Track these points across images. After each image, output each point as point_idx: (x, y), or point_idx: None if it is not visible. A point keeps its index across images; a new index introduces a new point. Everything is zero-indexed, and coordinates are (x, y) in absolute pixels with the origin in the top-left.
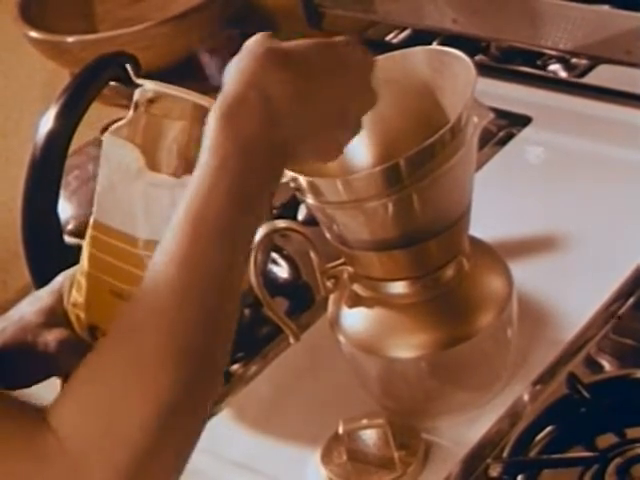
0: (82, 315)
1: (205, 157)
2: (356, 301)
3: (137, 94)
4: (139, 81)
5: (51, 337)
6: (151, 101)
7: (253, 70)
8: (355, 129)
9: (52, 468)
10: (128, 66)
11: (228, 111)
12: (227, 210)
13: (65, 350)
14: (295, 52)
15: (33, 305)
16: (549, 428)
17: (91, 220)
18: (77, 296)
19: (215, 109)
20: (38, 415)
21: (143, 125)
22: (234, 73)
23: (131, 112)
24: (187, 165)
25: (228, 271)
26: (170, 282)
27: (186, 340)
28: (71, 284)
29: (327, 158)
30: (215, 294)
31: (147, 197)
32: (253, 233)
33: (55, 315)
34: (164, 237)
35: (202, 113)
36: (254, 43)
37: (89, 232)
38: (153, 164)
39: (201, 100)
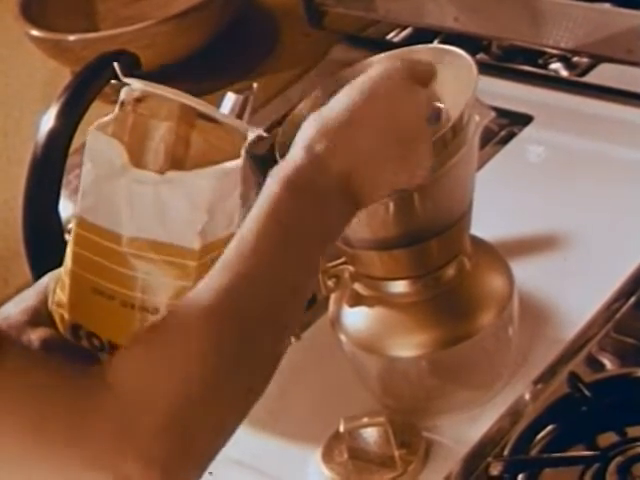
0: (66, 315)
1: (260, 201)
2: (357, 300)
3: (124, 93)
4: (126, 80)
5: (35, 336)
6: (138, 100)
7: (306, 135)
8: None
9: (103, 408)
10: (116, 65)
11: (279, 168)
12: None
13: (49, 349)
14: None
15: (18, 305)
16: (550, 427)
17: (74, 217)
18: (61, 295)
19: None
20: (90, 367)
21: (130, 125)
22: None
23: (117, 110)
24: (173, 164)
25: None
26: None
27: (231, 321)
28: (56, 284)
29: (415, 181)
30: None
31: (131, 194)
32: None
33: (39, 315)
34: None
35: (189, 113)
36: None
37: (73, 229)
38: (139, 164)
39: (188, 100)
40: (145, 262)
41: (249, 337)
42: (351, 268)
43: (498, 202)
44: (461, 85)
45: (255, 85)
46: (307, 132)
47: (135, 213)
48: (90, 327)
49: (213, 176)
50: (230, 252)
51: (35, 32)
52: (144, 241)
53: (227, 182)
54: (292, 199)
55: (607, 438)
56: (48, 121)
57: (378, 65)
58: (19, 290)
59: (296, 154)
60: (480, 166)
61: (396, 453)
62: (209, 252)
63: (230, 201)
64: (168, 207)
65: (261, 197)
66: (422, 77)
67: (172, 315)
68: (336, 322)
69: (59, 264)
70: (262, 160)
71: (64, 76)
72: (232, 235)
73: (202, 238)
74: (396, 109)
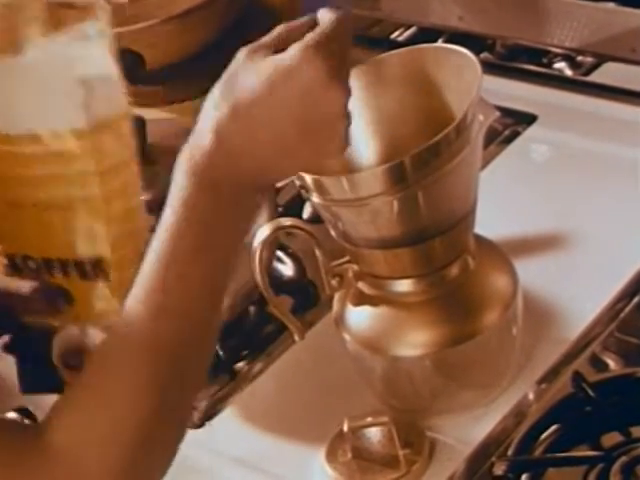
0: None
1: (172, 201)
2: (361, 299)
3: None
4: None
5: (23, 283)
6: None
7: (216, 115)
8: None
9: (50, 473)
10: None
11: (189, 156)
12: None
13: (38, 296)
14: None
15: None
16: (554, 427)
17: None
18: None
19: (183, 160)
20: (29, 430)
21: None
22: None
23: None
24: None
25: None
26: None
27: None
28: None
29: (318, 165)
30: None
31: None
32: (228, 263)
33: None
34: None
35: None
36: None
37: None
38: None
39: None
40: (36, 155)
41: (182, 362)
42: (355, 267)
43: (502, 201)
44: (465, 84)
45: None
46: (217, 112)
47: (4, 106)
48: (21, 250)
49: (72, 39)
50: (148, 269)
51: None
52: (27, 135)
53: (94, 46)
54: (210, 199)
55: (611, 438)
56: None
57: (297, 54)
58: None
59: (206, 137)
60: (484, 165)
61: (400, 453)
62: (100, 130)
63: (105, 69)
64: (39, 90)
65: (174, 198)
66: (340, 64)
67: (99, 357)
68: (340, 321)
69: None
70: None
71: None
72: (125, 114)
73: (86, 114)
74: (308, 105)
